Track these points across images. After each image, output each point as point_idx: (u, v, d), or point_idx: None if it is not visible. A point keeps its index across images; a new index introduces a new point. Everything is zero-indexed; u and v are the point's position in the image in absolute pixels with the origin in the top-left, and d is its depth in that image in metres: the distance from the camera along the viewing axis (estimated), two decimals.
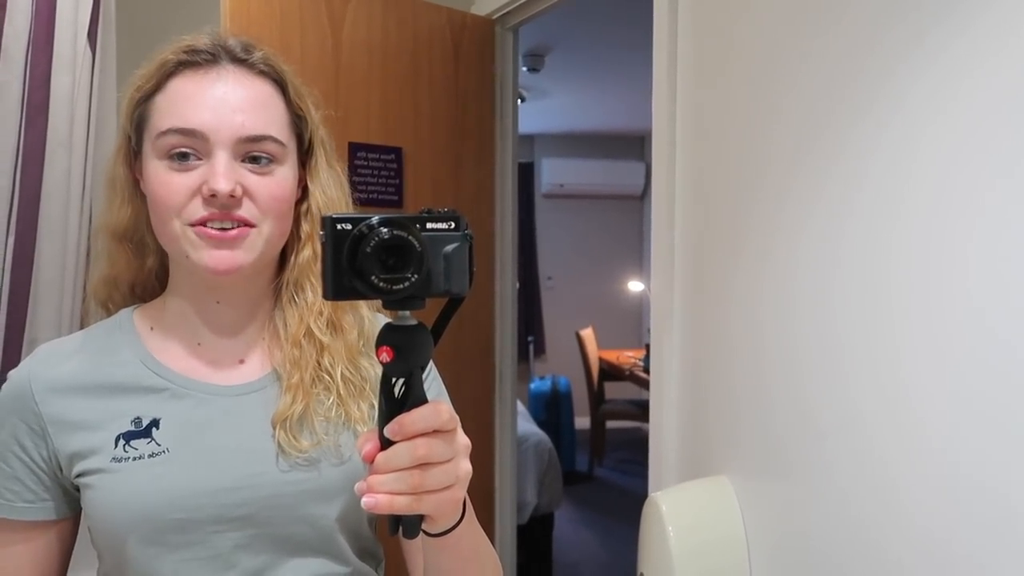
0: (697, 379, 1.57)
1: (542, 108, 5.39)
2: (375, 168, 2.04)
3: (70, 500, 0.83)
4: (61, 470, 0.81)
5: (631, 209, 6.43)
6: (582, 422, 5.43)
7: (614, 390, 5.31)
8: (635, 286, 6.08)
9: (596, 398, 5.19)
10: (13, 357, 1.52)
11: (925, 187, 1.06)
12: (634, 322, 6.35)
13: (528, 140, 6.32)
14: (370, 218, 0.58)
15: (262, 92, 0.81)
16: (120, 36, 1.78)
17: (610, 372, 5.23)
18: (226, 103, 0.78)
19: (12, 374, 0.83)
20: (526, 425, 3.76)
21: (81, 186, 1.60)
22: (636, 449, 5.44)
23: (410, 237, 0.58)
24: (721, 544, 1.36)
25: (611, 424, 5.22)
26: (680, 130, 1.61)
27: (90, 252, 1.66)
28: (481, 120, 2.33)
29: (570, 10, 2.25)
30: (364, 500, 0.60)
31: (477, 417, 2.39)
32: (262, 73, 0.82)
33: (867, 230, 1.15)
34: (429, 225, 0.60)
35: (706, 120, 1.54)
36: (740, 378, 1.42)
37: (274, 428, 0.81)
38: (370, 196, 2.05)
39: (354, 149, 2.01)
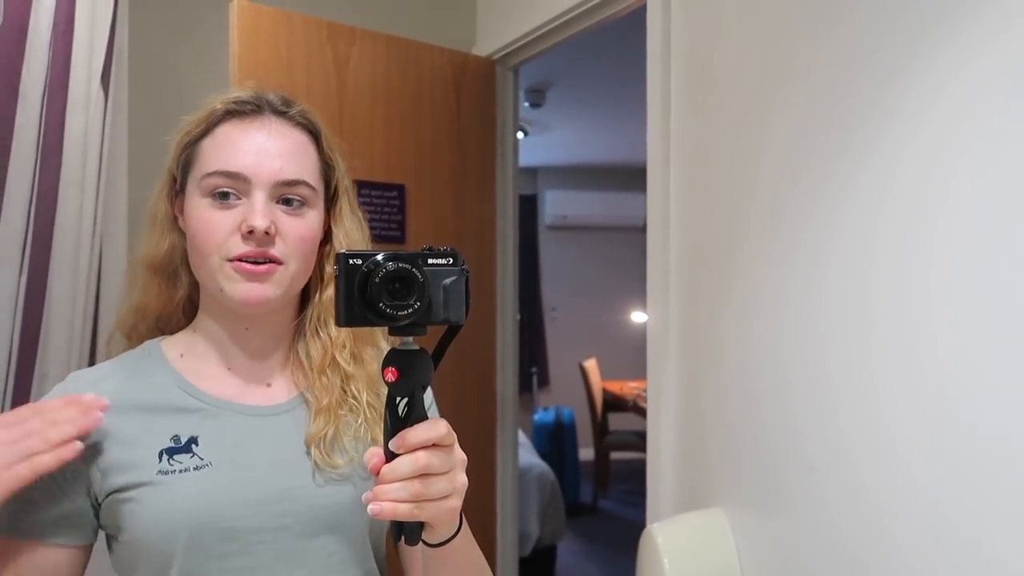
0: (693, 411, 1.60)
1: (545, 142, 5.46)
2: (378, 205, 2.09)
3: (92, 526, 0.85)
4: (91, 488, 0.83)
5: (634, 240, 6.46)
6: (586, 453, 5.41)
7: (618, 421, 5.30)
8: (638, 317, 6.10)
9: (600, 429, 5.18)
10: (23, 391, 1.56)
11: (899, 221, 1.10)
12: (637, 353, 6.31)
13: (531, 173, 6.39)
14: (377, 254, 0.67)
15: (299, 141, 0.89)
16: (132, 78, 1.85)
17: (614, 403, 5.23)
18: (267, 150, 0.86)
19: (47, 397, 0.86)
20: (529, 457, 3.77)
21: (92, 225, 1.65)
22: (641, 480, 5.39)
23: (413, 269, 0.66)
24: (716, 574, 1.38)
25: (615, 455, 5.20)
26: (674, 163, 1.66)
27: (100, 286, 1.70)
28: (482, 157, 2.38)
29: (569, 48, 2.32)
30: (370, 507, 0.67)
31: (479, 448, 2.41)
32: (299, 124, 0.90)
33: (845, 267, 1.18)
34: (430, 260, 0.68)
35: (699, 153, 1.58)
36: (733, 411, 1.45)
37: (307, 447, 0.87)
38: (373, 232, 2.08)
39: (358, 186, 2.04)
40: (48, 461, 0.76)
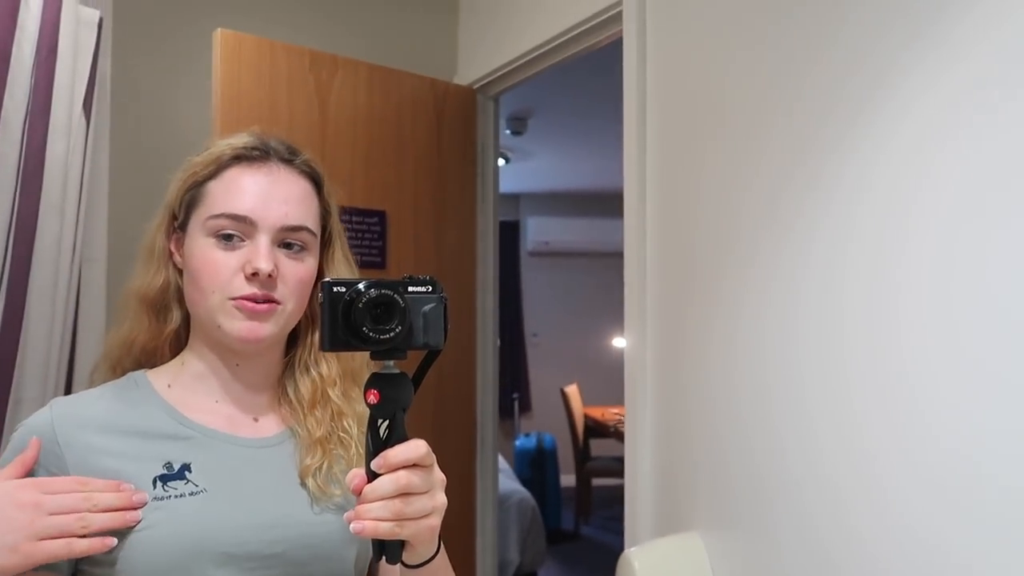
0: (670, 436, 1.61)
1: (526, 168, 5.52)
2: (359, 231, 2.11)
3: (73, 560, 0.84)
4: None
5: (615, 266, 6.45)
6: (568, 479, 5.40)
7: (599, 447, 5.30)
8: (620, 342, 6.13)
9: (581, 455, 5.18)
10: None
11: (869, 247, 1.13)
12: (619, 378, 6.31)
13: (513, 199, 6.44)
14: (360, 282, 0.70)
15: (303, 189, 0.93)
16: (115, 105, 1.86)
17: (595, 429, 5.23)
18: (274, 195, 0.89)
19: (29, 421, 0.86)
20: (509, 483, 3.76)
21: (71, 250, 1.65)
22: (623, 507, 5.39)
23: (395, 295, 0.70)
24: None
25: (597, 482, 5.20)
26: (650, 191, 1.69)
27: (78, 312, 1.70)
28: (463, 184, 2.41)
29: (549, 77, 2.36)
30: (352, 526, 0.69)
31: (459, 474, 2.40)
32: (304, 173, 0.94)
33: (821, 291, 1.21)
34: (410, 288, 0.72)
35: (675, 180, 1.61)
36: (709, 435, 1.46)
37: (303, 479, 0.89)
38: (354, 258, 2.10)
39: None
40: (84, 548, 0.77)
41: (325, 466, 0.90)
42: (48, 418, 0.85)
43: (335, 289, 0.70)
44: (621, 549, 1.52)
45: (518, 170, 5.51)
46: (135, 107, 2.04)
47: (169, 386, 0.92)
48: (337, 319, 0.70)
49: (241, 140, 0.92)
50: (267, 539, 0.84)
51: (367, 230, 2.12)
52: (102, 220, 1.76)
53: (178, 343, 0.96)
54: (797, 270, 1.26)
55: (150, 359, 0.96)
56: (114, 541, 0.79)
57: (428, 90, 2.30)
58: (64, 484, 0.79)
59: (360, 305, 0.69)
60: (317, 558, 0.86)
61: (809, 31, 1.24)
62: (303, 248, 0.91)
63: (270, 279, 0.86)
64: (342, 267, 0.99)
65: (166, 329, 0.94)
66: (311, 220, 0.92)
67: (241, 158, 0.90)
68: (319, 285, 0.71)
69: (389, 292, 0.70)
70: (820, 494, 1.20)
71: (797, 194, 1.26)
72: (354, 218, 2.10)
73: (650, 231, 1.69)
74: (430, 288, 0.73)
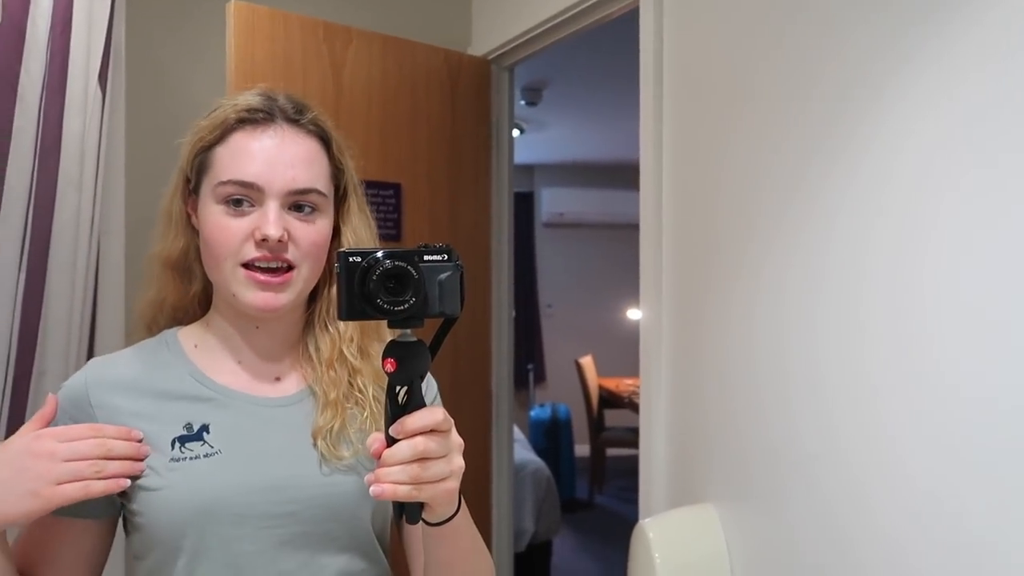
0: (685, 408, 1.62)
1: (541, 139, 5.48)
2: (375, 203, 2.09)
3: (111, 501, 0.89)
4: None
5: (630, 238, 6.41)
6: (582, 450, 5.44)
7: (614, 418, 5.33)
8: (634, 314, 6.12)
9: (596, 426, 5.21)
10: (23, 389, 1.58)
11: (893, 220, 1.12)
12: (633, 350, 6.31)
13: (528, 170, 6.40)
14: (376, 252, 0.71)
15: (311, 149, 0.91)
16: (129, 78, 1.86)
17: (609, 400, 5.26)
18: (280, 159, 0.88)
19: (68, 383, 0.90)
20: (524, 453, 3.78)
21: (90, 224, 1.66)
22: (636, 477, 5.42)
23: (409, 267, 0.71)
24: (706, 570, 1.40)
25: (612, 452, 5.23)
26: (667, 162, 1.68)
27: (97, 285, 1.71)
28: (477, 155, 2.40)
29: (565, 47, 2.33)
30: (372, 489, 0.72)
31: (474, 445, 2.42)
32: (311, 132, 0.92)
33: (843, 263, 1.20)
34: (426, 257, 0.72)
35: (691, 152, 1.60)
36: (725, 408, 1.47)
37: (315, 440, 0.90)
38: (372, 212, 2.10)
39: None
40: (101, 489, 0.81)
41: (337, 427, 0.91)
42: (83, 380, 0.89)
43: (351, 259, 0.71)
44: (635, 518, 1.53)
45: (532, 141, 5.47)
46: (150, 79, 2.03)
47: (196, 346, 0.95)
48: (353, 289, 0.70)
49: (246, 101, 0.90)
50: (276, 500, 0.86)
51: (382, 202, 2.12)
52: (119, 193, 1.77)
53: (207, 300, 0.98)
54: (820, 244, 1.25)
55: (183, 316, 0.99)
56: (127, 482, 0.83)
57: (443, 61, 2.28)
58: (79, 432, 0.83)
59: (375, 277, 0.70)
60: (332, 517, 0.89)
61: (835, 5, 1.22)
62: (314, 210, 0.90)
63: (280, 244, 0.86)
64: (357, 221, 0.98)
65: (192, 289, 0.97)
66: (321, 181, 0.91)
67: (246, 121, 0.89)
68: (334, 255, 0.72)
69: (403, 264, 0.70)
70: (835, 468, 1.20)
71: (821, 169, 1.25)
72: (369, 191, 2.08)
73: (666, 203, 1.68)
74: (446, 256, 0.73)
